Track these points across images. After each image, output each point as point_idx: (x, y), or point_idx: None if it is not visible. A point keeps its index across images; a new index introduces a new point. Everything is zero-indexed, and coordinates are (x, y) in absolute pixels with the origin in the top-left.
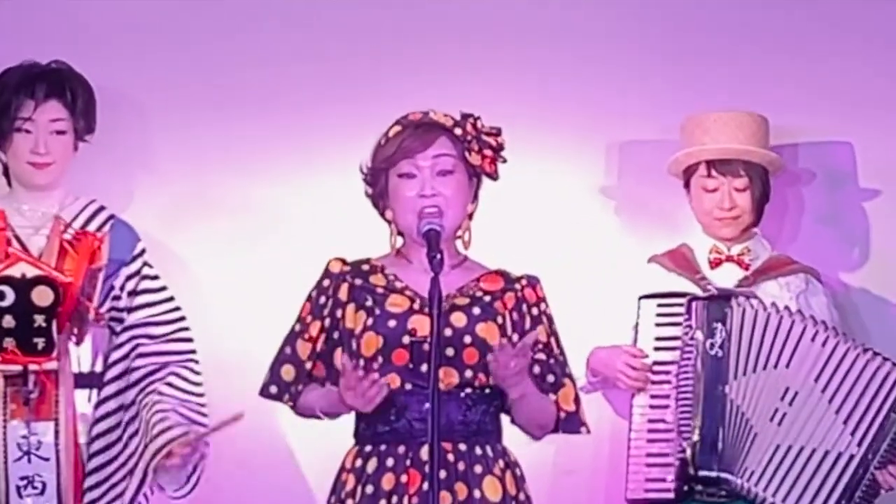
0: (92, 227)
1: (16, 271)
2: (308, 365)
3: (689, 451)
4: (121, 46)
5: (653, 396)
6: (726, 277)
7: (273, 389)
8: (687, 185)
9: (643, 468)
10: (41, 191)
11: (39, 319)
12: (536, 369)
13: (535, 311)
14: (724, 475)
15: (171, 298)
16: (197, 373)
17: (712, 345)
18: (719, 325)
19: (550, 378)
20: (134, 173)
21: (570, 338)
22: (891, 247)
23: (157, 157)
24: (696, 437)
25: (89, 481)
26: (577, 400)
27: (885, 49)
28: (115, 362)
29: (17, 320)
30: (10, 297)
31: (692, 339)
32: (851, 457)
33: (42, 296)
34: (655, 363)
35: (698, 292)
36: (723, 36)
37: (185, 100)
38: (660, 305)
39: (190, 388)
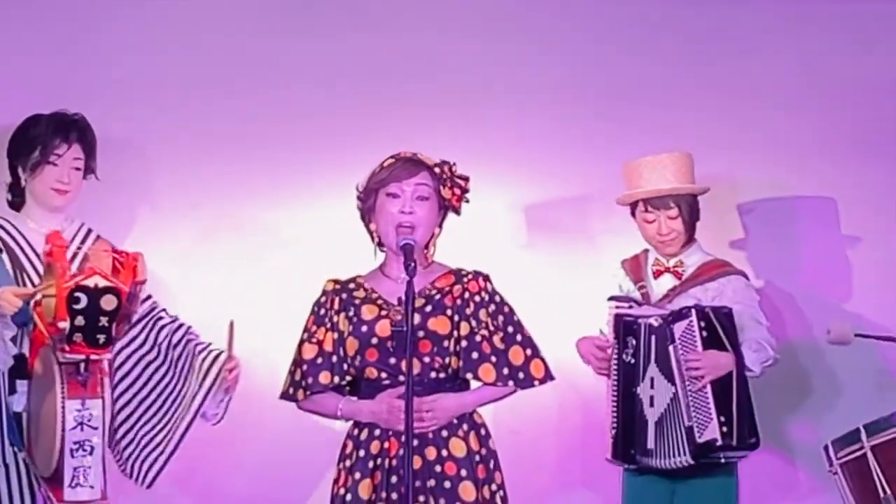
0: (87, 245)
1: (90, 282)
2: (319, 360)
3: (614, 439)
4: (157, 98)
5: (612, 380)
6: (665, 285)
7: (290, 391)
8: (633, 214)
9: (610, 438)
10: (53, 212)
11: (104, 320)
12: (464, 343)
13: (477, 298)
14: (638, 456)
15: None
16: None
17: (627, 353)
18: (631, 339)
19: (474, 355)
20: (168, 202)
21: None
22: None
23: (188, 189)
24: (617, 429)
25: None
26: (527, 361)
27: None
28: (131, 340)
29: (87, 320)
30: (84, 301)
31: (615, 349)
32: (675, 394)
33: (108, 302)
34: None
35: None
36: (640, 105)
37: (215, 142)
38: (617, 307)
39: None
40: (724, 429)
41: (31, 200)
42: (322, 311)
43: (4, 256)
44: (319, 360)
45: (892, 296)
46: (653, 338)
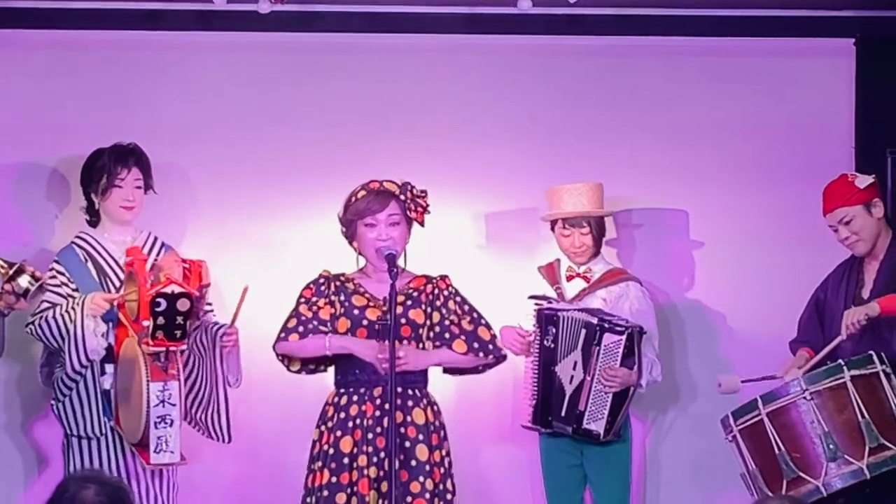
0: (154, 251)
1: (168, 290)
2: (314, 322)
3: (534, 408)
4: (193, 131)
5: (532, 361)
6: (575, 287)
7: (286, 337)
8: (553, 228)
9: (528, 407)
10: (124, 225)
11: (179, 319)
12: (437, 329)
13: (445, 293)
14: (554, 422)
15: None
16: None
17: (548, 339)
18: (552, 328)
19: (446, 335)
20: (191, 217)
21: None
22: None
23: (210, 207)
24: (537, 400)
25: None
26: (493, 338)
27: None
28: None
29: (166, 320)
30: (164, 305)
31: (537, 336)
32: (583, 381)
33: (183, 304)
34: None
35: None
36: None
37: (237, 169)
38: (536, 304)
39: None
40: (608, 426)
41: (105, 218)
42: (323, 289)
43: (90, 265)
44: (316, 322)
45: (721, 284)
46: (584, 331)
